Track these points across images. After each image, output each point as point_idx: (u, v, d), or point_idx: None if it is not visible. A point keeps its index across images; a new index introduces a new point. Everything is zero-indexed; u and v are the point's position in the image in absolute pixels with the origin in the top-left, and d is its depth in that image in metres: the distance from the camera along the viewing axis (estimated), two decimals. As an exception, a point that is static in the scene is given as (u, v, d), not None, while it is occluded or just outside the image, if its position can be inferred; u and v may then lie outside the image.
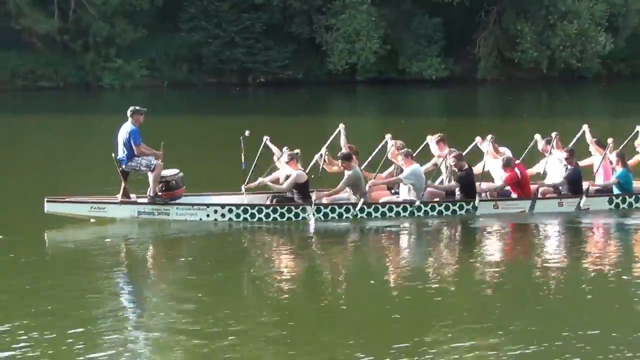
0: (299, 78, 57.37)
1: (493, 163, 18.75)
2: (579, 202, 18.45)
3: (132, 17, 55.25)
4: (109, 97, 51.87)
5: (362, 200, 17.95)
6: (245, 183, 18.61)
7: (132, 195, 18.76)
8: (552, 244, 17.21)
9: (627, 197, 18.44)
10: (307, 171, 18.34)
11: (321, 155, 18.76)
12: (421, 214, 18.30)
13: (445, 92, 54.52)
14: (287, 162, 18.42)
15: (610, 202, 18.57)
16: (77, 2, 54.07)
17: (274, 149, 18.71)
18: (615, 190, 18.54)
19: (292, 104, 48.39)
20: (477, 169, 18.75)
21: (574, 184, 18.70)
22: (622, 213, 18.35)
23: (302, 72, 57.63)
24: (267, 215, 18.42)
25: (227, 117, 38.82)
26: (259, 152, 18.51)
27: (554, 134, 19.27)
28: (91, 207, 18.83)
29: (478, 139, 19.14)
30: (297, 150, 18.70)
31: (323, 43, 56.35)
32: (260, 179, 18.55)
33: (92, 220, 18.33)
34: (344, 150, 18.64)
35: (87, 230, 18.03)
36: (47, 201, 18.38)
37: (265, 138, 18.94)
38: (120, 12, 54.52)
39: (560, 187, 18.72)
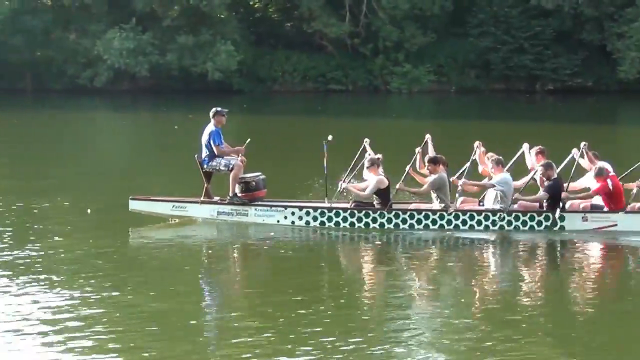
0: (588, 86, 56.74)
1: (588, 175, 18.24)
2: None
3: (422, 22, 56.53)
4: (396, 102, 53.38)
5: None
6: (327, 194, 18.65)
7: (216, 198, 19.04)
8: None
9: None
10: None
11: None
12: (504, 223, 18.05)
13: None
14: (367, 168, 18.32)
15: None
16: (368, 7, 55.86)
17: (371, 153, 18.67)
18: None
19: (579, 112, 47.80)
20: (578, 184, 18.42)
21: None
22: None
23: (592, 80, 56.96)
24: (345, 219, 18.39)
25: (515, 124, 38.92)
26: (356, 156, 18.50)
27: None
28: (173, 206, 19.25)
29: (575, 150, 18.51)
30: (379, 155, 18.50)
31: (614, 51, 55.20)
32: (341, 183, 18.57)
33: (176, 220, 18.95)
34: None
35: (169, 230, 18.71)
36: (131, 199, 19.01)
37: (366, 141, 18.78)
38: (410, 16, 55.82)
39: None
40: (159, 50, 56.42)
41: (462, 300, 13.52)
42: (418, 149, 18.65)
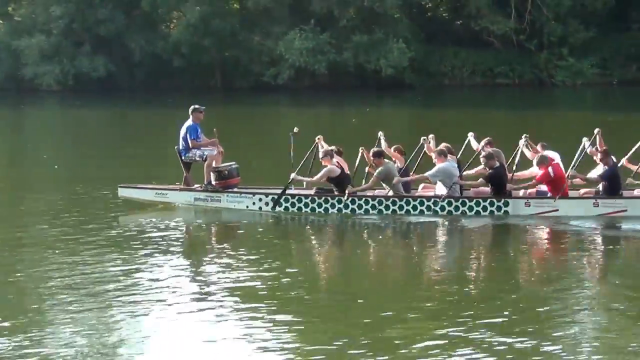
0: None
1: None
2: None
3: (584, 17, 57.72)
4: (561, 94, 54.49)
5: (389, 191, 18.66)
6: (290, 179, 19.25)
7: (197, 185, 19.95)
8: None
9: None
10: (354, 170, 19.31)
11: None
12: (452, 209, 18.51)
13: None
14: (322, 159, 19.14)
15: None
16: (533, 4, 57.46)
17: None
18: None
19: None
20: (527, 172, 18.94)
21: (610, 183, 18.21)
22: None
23: None
24: (306, 205, 19.16)
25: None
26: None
27: (596, 130, 18.70)
28: (155, 193, 20.31)
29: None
30: (332, 147, 19.36)
31: None
32: (292, 175, 19.22)
33: (159, 205, 19.88)
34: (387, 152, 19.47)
35: (153, 213, 19.52)
36: (119, 187, 20.27)
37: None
38: (573, 12, 57.27)
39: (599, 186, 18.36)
40: (336, 49, 58.31)
41: (401, 281, 13.97)
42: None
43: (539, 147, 19.14)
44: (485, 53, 59.96)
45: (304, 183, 19.46)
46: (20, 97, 58.59)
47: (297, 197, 19.29)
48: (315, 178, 19.12)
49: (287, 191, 19.30)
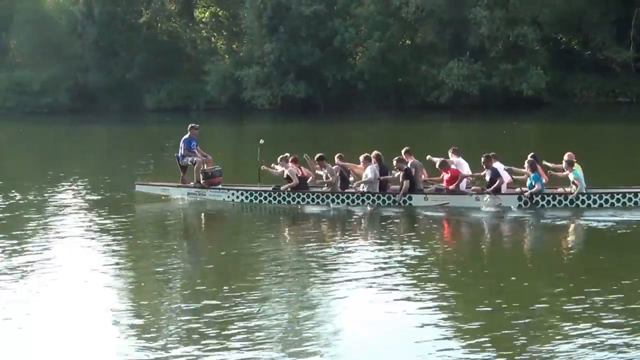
0: None
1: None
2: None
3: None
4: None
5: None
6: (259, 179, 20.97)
7: (191, 183, 21.53)
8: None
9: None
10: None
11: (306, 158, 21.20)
12: (370, 202, 19.91)
13: None
14: (279, 163, 20.93)
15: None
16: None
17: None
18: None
19: None
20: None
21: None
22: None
23: None
24: (265, 198, 20.83)
25: None
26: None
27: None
28: (162, 189, 21.95)
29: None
30: (286, 154, 21.00)
31: None
32: (262, 167, 21.03)
33: (163, 197, 21.85)
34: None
35: (157, 204, 21.48)
36: (136, 184, 22.30)
37: (261, 142, 21.09)
38: None
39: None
40: (486, 75, 61.89)
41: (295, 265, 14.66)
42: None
43: (449, 152, 20.81)
44: (609, 76, 63.06)
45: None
46: (239, 115, 64.46)
47: (259, 192, 20.86)
48: (277, 173, 20.91)
49: (254, 187, 21.06)
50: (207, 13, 75.76)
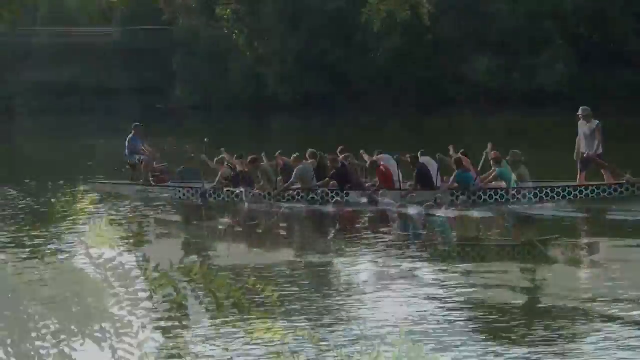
0: None
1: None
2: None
3: None
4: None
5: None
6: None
7: (141, 181, 22.88)
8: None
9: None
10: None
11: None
12: (309, 198, 21.41)
13: None
14: (215, 164, 22.21)
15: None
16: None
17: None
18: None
19: None
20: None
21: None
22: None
23: None
24: (210, 194, 22.09)
25: None
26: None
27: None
28: (112, 187, 23.35)
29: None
30: (223, 155, 22.36)
31: None
32: (216, 159, 22.21)
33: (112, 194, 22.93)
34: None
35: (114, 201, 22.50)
36: (88, 181, 23.98)
37: (206, 140, 22.94)
38: None
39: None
40: (507, 70, 62.44)
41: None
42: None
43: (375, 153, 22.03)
44: (632, 70, 62.05)
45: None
46: (258, 112, 63.70)
47: (201, 190, 22.20)
48: (212, 166, 22.32)
49: (199, 185, 22.31)
50: (228, 11, 75.11)
